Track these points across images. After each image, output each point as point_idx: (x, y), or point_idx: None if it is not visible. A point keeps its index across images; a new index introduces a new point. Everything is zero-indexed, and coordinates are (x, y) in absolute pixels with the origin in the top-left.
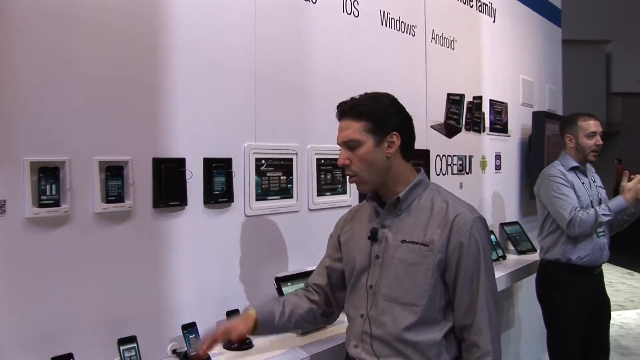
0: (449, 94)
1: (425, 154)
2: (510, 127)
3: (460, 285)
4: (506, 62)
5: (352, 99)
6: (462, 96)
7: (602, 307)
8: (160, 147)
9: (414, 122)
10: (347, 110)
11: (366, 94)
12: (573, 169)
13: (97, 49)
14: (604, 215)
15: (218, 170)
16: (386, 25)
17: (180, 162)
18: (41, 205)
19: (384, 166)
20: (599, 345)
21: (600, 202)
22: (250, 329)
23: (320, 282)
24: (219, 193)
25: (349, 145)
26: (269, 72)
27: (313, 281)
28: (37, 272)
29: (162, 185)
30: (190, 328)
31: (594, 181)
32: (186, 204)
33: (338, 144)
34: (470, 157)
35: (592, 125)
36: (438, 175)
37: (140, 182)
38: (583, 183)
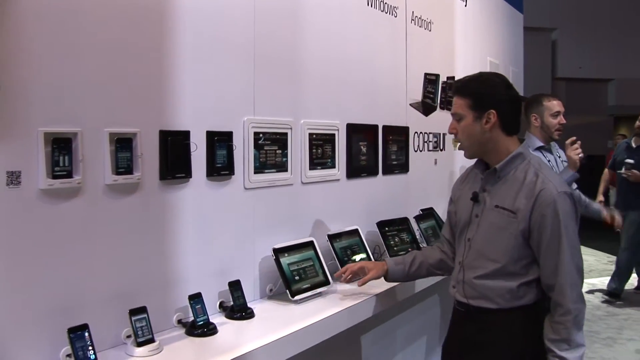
0: (426, 74)
1: (405, 131)
2: None
3: (544, 251)
4: (475, 44)
5: (465, 77)
6: (437, 76)
7: None
8: (166, 119)
9: (395, 100)
10: (458, 87)
11: (478, 73)
12: (538, 149)
13: (106, 23)
14: None
15: (220, 144)
16: (372, 6)
17: (185, 134)
18: (55, 177)
19: (482, 138)
20: None
21: None
22: (379, 276)
23: (446, 234)
24: (220, 166)
25: (455, 117)
26: (267, 48)
27: (443, 233)
28: (51, 243)
29: (168, 157)
30: (196, 298)
31: (560, 157)
32: (191, 177)
33: (451, 115)
34: (444, 134)
35: (556, 105)
36: (416, 151)
37: (148, 154)
38: (549, 161)
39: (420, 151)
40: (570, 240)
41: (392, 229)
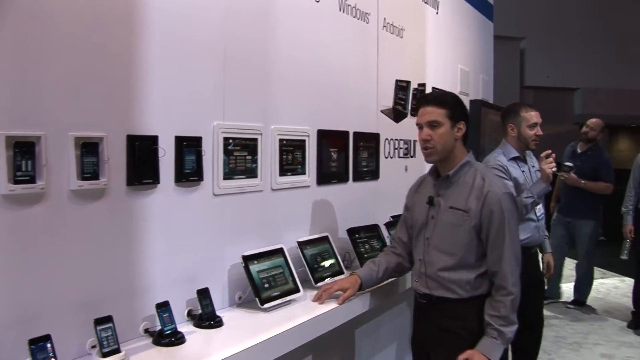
0: (397, 80)
1: (375, 137)
2: None
3: (491, 242)
4: (447, 52)
5: (436, 91)
6: (408, 83)
7: (537, 283)
8: (134, 123)
9: (365, 106)
10: (433, 99)
11: (442, 90)
12: (513, 159)
13: (72, 24)
14: (526, 198)
15: (189, 149)
16: (344, 12)
17: (153, 139)
18: (17, 182)
19: (451, 145)
20: (533, 318)
21: None
22: (356, 291)
23: (402, 237)
24: (189, 171)
25: (431, 124)
26: (237, 51)
27: (397, 235)
28: (12, 251)
29: (135, 162)
30: (163, 307)
31: (533, 166)
32: (158, 182)
33: (418, 123)
34: (415, 141)
35: (534, 116)
36: (387, 157)
37: (115, 159)
38: (523, 171)
39: (391, 158)
40: (512, 233)
41: (363, 236)
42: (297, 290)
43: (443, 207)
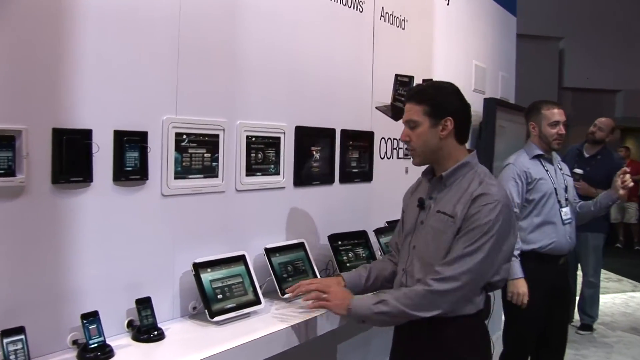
0: (397, 75)
1: (369, 136)
2: None
3: (459, 244)
4: (459, 46)
5: (419, 85)
6: (411, 78)
7: (564, 298)
8: (62, 116)
9: (358, 102)
10: (412, 95)
11: (431, 81)
12: (537, 156)
13: None
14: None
15: (131, 145)
16: None
17: (86, 133)
18: None
19: (436, 145)
20: (558, 333)
21: (566, 190)
22: None
23: (399, 242)
24: (131, 169)
25: (409, 124)
26: (195, 35)
27: (394, 241)
28: None
29: (62, 158)
30: (91, 317)
31: (561, 169)
32: (91, 180)
33: (403, 122)
34: None
35: (556, 114)
36: (382, 158)
37: (37, 155)
38: (547, 171)
39: (388, 158)
40: (491, 248)
41: (346, 243)
42: (257, 302)
43: (432, 211)
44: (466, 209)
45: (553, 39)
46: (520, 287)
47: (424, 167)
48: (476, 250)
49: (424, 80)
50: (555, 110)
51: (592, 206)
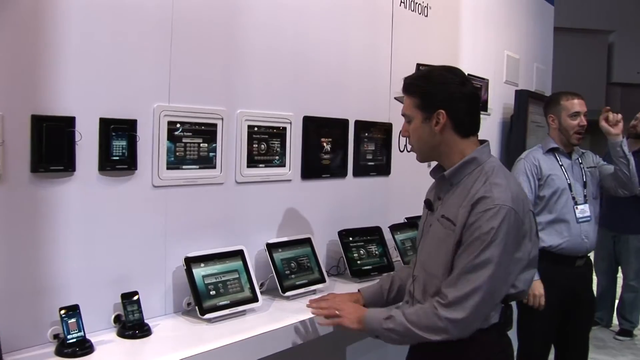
0: (419, 65)
1: (387, 127)
2: (490, 105)
3: (459, 254)
4: (489, 35)
5: (413, 74)
6: None
7: (581, 303)
8: (43, 102)
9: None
10: (404, 85)
11: (427, 69)
12: (552, 150)
13: None
14: None
15: (118, 133)
16: None
17: (69, 121)
18: None
19: (433, 141)
20: (576, 339)
21: (584, 185)
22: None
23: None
24: (118, 159)
25: (405, 118)
26: (190, 15)
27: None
28: None
29: (42, 146)
30: (70, 311)
31: (581, 163)
32: (74, 170)
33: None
34: None
35: (576, 104)
36: (402, 151)
37: (14, 142)
38: (562, 165)
39: (408, 152)
40: (499, 260)
41: (358, 240)
42: (253, 300)
43: (437, 214)
44: (466, 215)
45: (602, 33)
46: (537, 289)
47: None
48: (482, 265)
49: (418, 65)
50: (576, 101)
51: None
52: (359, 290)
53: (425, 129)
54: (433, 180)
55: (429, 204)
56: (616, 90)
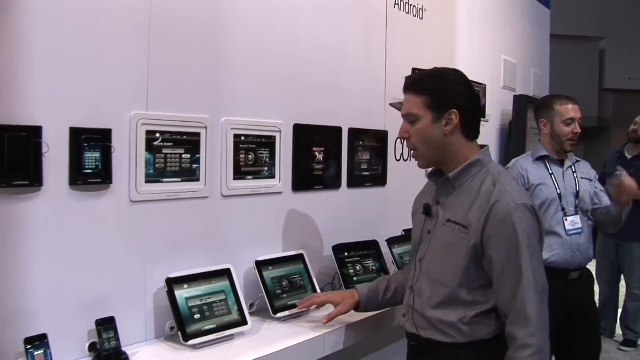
0: (414, 69)
1: (382, 135)
2: (488, 111)
3: (499, 274)
4: (486, 39)
5: (417, 72)
6: None
7: (583, 316)
8: (4, 110)
9: (369, 98)
10: (410, 84)
11: (434, 68)
12: (540, 158)
13: None
14: None
15: (90, 144)
16: None
17: (35, 130)
18: None
19: (440, 142)
20: (584, 353)
21: (576, 196)
22: (349, 309)
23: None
24: (90, 172)
25: (408, 118)
26: (170, 17)
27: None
28: None
29: (4, 159)
30: (37, 341)
31: (574, 172)
32: (40, 184)
33: (401, 116)
34: None
35: (571, 110)
36: (398, 160)
37: None
38: (552, 173)
39: (405, 160)
40: (531, 260)
41: (353, 254)
42: (242, 323)
43: (440, 219)
44: (482, 221)
45: (593, 39)
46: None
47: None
48: (526, 273)
49: (414, 70)
50: (570, 106)
51: (606, 213)
52: (354, 286)
53: (434, 129)
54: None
55: (426, 209)
56: (608, 96)
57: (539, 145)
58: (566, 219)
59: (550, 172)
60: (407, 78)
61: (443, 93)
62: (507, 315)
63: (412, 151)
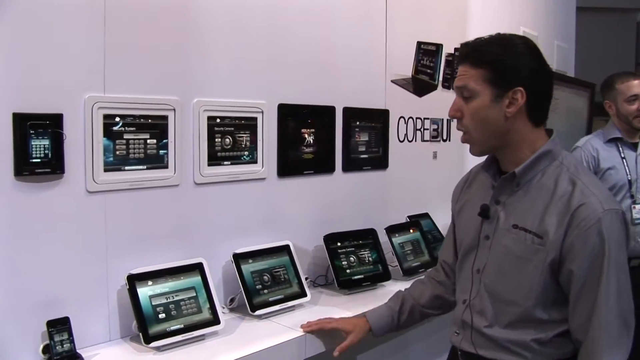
0: (419, 43)
1: (382, 115)
2: None
3: (577, 292)
4: (503, 10)
5: (477, 39)
6: (439, 46)
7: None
8: None
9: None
10: (467, 53)
11: (497, 35)
12: (612, 140)
13: None
14: None
15: (38, 131)
16: None
17: None
18: None
19: (500, 127)
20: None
21: None
22: (361, 338)
23: (447, 258)
24: (39, 161)
25: (462, 93)
26: None
27: (441, 257)
28: None
29: None
30: None
31: None
32: None
33: (454, 89)
34: (449, 120)
35: (634, 86)
36: (402, 141)
37: None
38: (624, 158)
39: (409, 141)
40: (617, 278)
41: (348, 245)
42: (214, 322)
43: (503, 223)
44: (564, 229)
45: (630, 11)
46: None
47: (456, 151)
48: (609, 292)
49: (456, 50)
50: (633, 82)
51: None
52: (363, 314)
53: (494, 109)
54: (437, 173)
55: (484, 211)
56: None
57: (612, 125)
58: (634, 207)
59: (622, 156)
60: (462, 46)
61: (511, 67)
62: (580, 341)
63: (463, 135)
